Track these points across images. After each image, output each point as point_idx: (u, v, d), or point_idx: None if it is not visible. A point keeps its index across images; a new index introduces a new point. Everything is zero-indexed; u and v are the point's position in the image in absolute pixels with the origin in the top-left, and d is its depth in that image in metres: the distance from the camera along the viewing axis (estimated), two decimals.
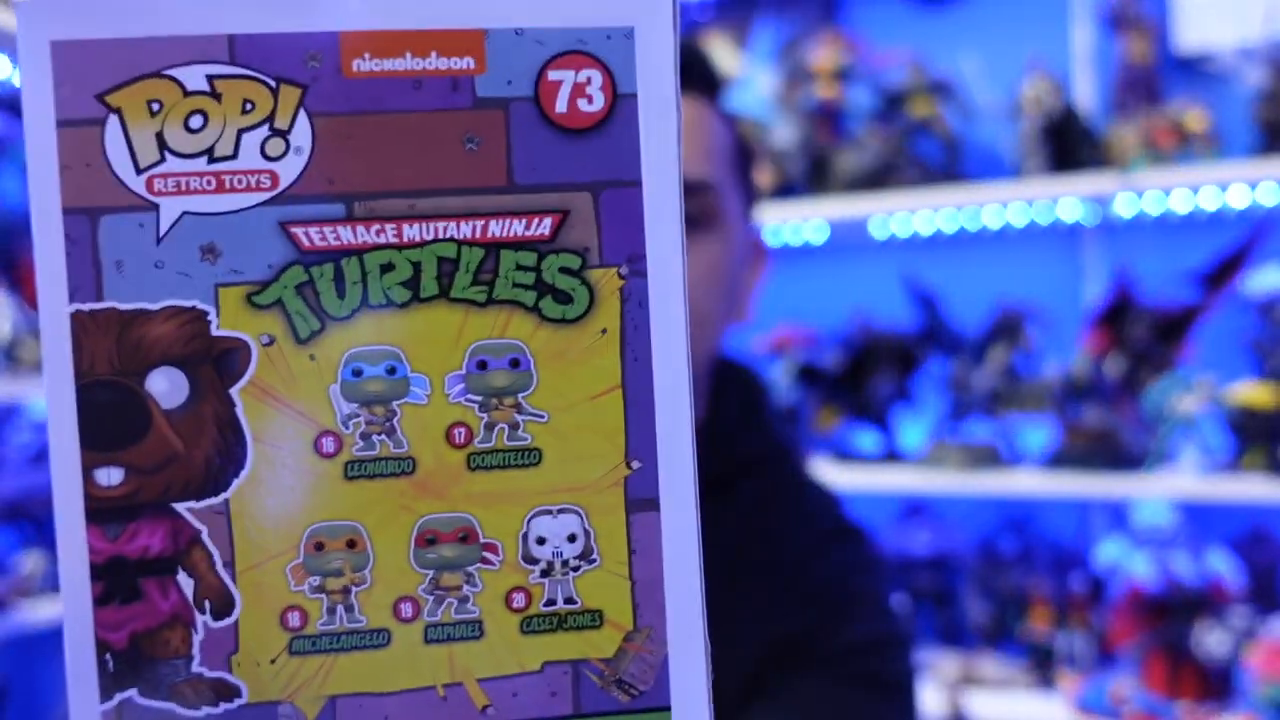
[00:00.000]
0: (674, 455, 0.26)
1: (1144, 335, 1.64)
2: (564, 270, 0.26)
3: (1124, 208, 1.75)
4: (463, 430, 0.25)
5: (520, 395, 0.26)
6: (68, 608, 0.24)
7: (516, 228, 0.26)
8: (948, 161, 1.84)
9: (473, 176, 0.25)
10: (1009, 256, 1.98)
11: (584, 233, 0.26)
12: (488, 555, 0.26)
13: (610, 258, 0.26)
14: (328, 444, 0.25)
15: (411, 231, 0.25)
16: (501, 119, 0.25)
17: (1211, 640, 1.51)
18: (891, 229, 1.96)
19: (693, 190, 0.66)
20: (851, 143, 1.89)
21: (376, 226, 0.25)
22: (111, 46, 0.25)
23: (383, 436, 0.25)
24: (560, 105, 0.26)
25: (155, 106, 0.25)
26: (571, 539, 0.26)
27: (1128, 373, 1.65)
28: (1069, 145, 1.72)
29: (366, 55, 0.25)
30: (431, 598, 0.25)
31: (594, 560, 0.26)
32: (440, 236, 0.25)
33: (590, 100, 0.26)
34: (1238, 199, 1.68)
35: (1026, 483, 1.67)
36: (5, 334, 1.60)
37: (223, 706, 0.25)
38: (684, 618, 0.26)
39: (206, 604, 0.25)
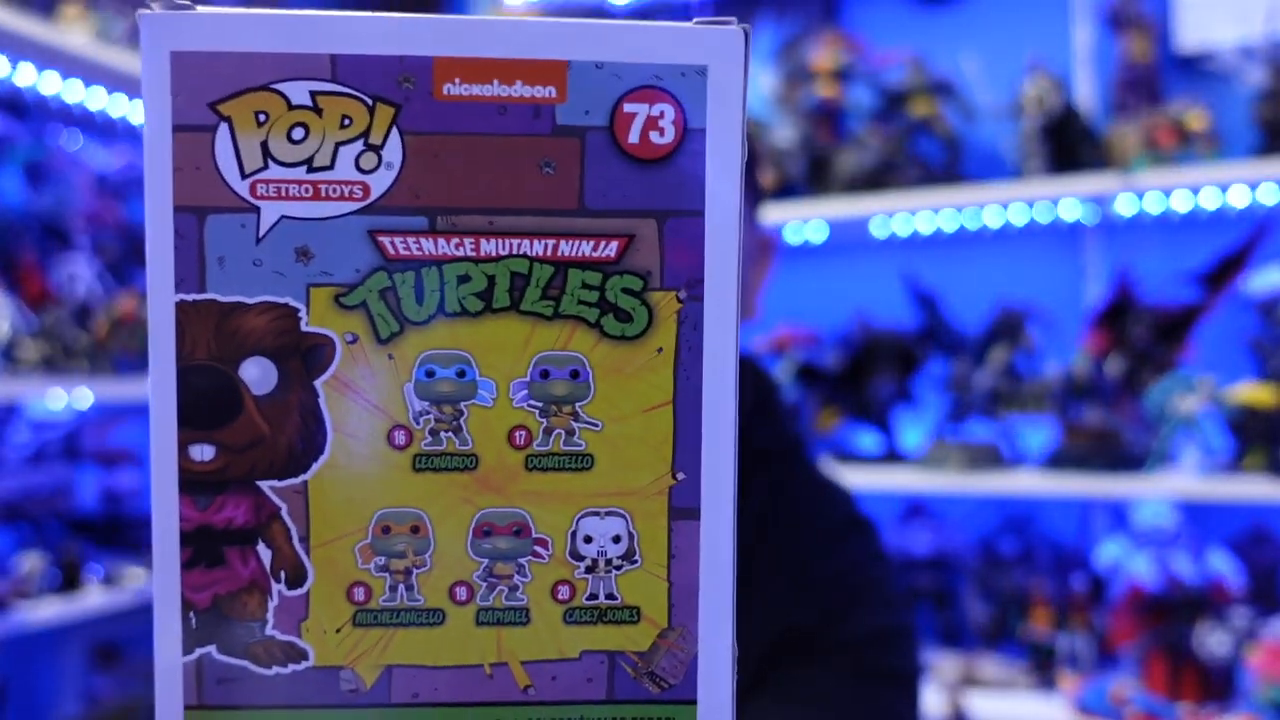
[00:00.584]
0: (717, 469, 0.27)
1: (1144, 335, 1.64)
2: (626, 291, 0.27)
3: (1124, 208, 1.75)
4: (523, 433, 0.27)
5: (578, 404, 0.27)
6: (158, 569, 0.27)
7: (585, 249, 0.27)
8: (948, 161, 1.83)
9: (547, 198, 0.27)
10: (1009, 256, 1.98)
11: (647, 257, 0.27)
12: (538, 549, 0.27)
13: (670, 282, 0.28)
14: (399, 437, 0.27)
15: (488, 246, 0.27)
16: (577, 146, 0.27)
17: (1212, 641, 1.50)
18: (891, 229, 1.95)
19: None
20: (851, 142, 1.89)
21: (456, 240, 0.27)
22: (225, 59, 0.27)
23: (450, 434, 0.27)
24: (633, 136, 0.27)
25: (262, 117, 0.27)
26: (616, 540, 0.27)
27: (1128, 373, 1.65)
28: (1069, 145, 1.72)
29: (457, 80, 0.27)
30: (485, 584, 0.27)
31: (636, 561, 0.28)
32: (514, 253, 0.27)
33: (662, 133, 0.27)
34: (1238, 199, 1.67)
35: (1027, 483, 1.67)
36: (4, 334, 1.59)
37: (291, 667, 0.27)
38: (715, 620, 0.28)
39: (282, 574, 0.27)
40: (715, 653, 0.28)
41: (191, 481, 0.27)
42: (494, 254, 0.27)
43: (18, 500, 1.89)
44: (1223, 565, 1.56)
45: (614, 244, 0.27)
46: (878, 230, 1.96)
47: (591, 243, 0.27)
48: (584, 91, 0.27)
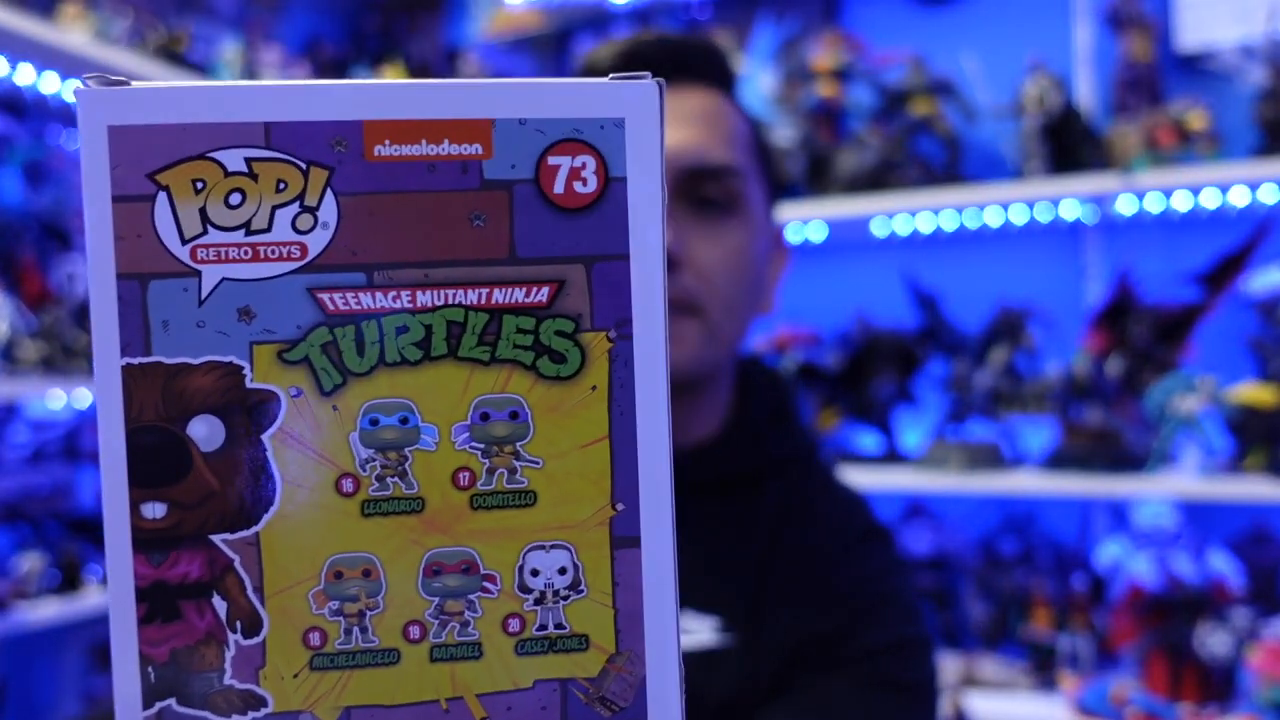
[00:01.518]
0: (654, 498, 0.29)
1: (1145, 335, 1.64)
2: (559, 334, 0.29)
3: (1124, 207, 1.75)
4: (467, 474, 0.29)
5: (518, 443, 0.29)
6: (115, 626, 0.28)
7: (517, 295, 0.29)
8: (948, 161, 1.83)
9: (479, 249, 0.28)
10: (1009, 256, 1.98)
11: (577, 300, 0.29)
12: (487, 585, 0.29)
13: (600, 323, 0.29)
14: (347, 485, 0.28)
15: (424, 298, 0.28)
16: (505, 199, 0.28)
17: (1213, 641, 1.50)
18: (891, 229, 1.95)
19: (718, 174, 0.66)
20: (852, 142, 1.89)
21: (393, 293, 0.28)
22: (161, 131, 0.28)
23: (396, 479, 0.28)
24: (558, 187, 0.29)
25: (199, 185, 0.28)
26: (562, 571, 0.29)
27: (1128, 373, 1.65)
28: (1070, 145, 1.72)
29: (387, 142, 0.28)
30: (437, 621, 0.28)
31: (582, 590, 0.29)
32: (450, 303, 0.28)
33: (585, 183, 0.29)
34: (1238, 199, 1.67)
35: (1027, 483, 1.67)
36: (4, 334, 1.59)
37: (250, 715, 0.28)
38: (661, 642, 0.29)
39: (238, 624, 0.28)
40: (663, 674, 0.29)
41: (145, 539, 0.28)
42: (430, 304, 0.28)
43: (18, 500, 1.89)
44: (1223, 565, 1.56)
45: (545, 289, 0.29)
46: (878, 230, 1.96)
47: (524, 289, 0.28)
48: (509, 147, 0.28)
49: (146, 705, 0.28)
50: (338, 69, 2.45)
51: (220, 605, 0.28)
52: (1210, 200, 1.69)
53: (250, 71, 2.06)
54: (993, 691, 1.68)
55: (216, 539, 0.28)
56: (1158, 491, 1.57)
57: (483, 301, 0.28)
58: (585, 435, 0.29)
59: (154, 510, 0.28)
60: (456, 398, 0.28)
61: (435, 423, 0.28)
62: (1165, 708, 1.50)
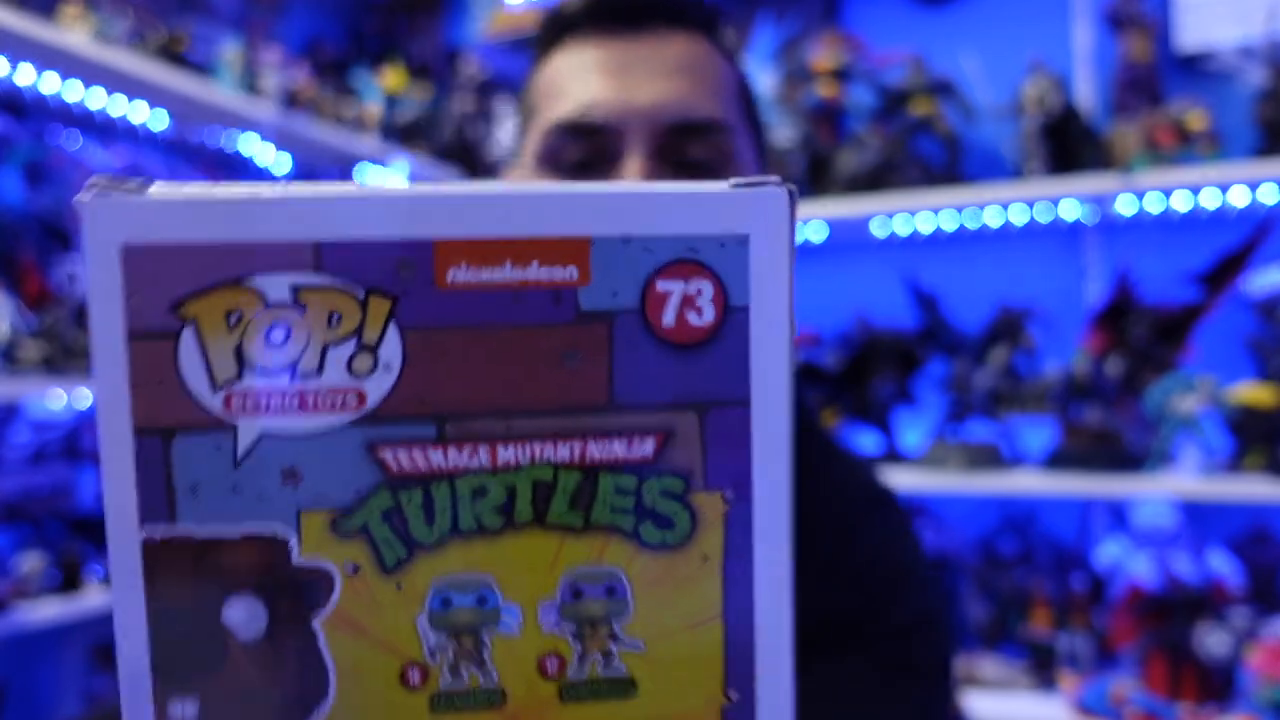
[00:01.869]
0: (773, 687, 0.25)
1: (1144, 335, 1.64)
2: (665, 494, 0.25)
3: (1124, 208, 1.75)
4: (555, 660, 0.25)
5: (617, 624, 0.25)
6: None
7: (617, 449, 0.24)
8: (948, 161, 1.83)
9: (572, 395, 0.24)
10: (1009, 256, 1.98)
11: (688, 454, 0.25)
12: None
13: (715, 481, 0.25)
14: (414, 676, 0.24)
15: (506, 454, 0.24)
16: (605, 333, 0.24)
17: (1212, 641, 1.50)
18: (891, 229, 1.95)
19: (705, 130, 0.61)
20: (851, 142, 1.89)
21: (469, 449, 0.24)
22: (188, 252, 0.23)
23: (472, 668, 0.24)
24: (668, 318, 0.24)
25: (234, 318, 0.23)
26: None
27: (1128, 373, 1.65)
28: (1069, 145, 1.72)
29: (463, 265, 0.24)
30: None
31: None
32: (537, 459, 0.24)
33: (700, 313, 0.24)
34: (1238, 199, 1.67)
35: (1027, 483, 1.67)
36: (4, 334, 1.59)
37: None
38: None
39: None
40: None
41: None
42: (513, 462, 0.24)
43: (18, 500, 1.89)
44: (1223, 565, 1.56)
45: (650, 441, 0.24)
46: (878, 230, 1.96)
47: (625, 441, 0.24)
48: (610, 270, 0.24)
49: None
50: (338, 69, 2.45)
51: None
52: (1210, 200, 1.69)
53: (251, 72, 2.06)
54: (993, 691, 1.69)
55: None
56: (1157, 491, 1.57)
57: (576, 457, 0.24)
58: (695, 614, 0.25)
59: (183, 709, 0.24)
60: (544, 571, 0.24)
61: (519, 601, 0.25)
62: (1165, 707, 1.50)
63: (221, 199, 0.23)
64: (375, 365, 0.24)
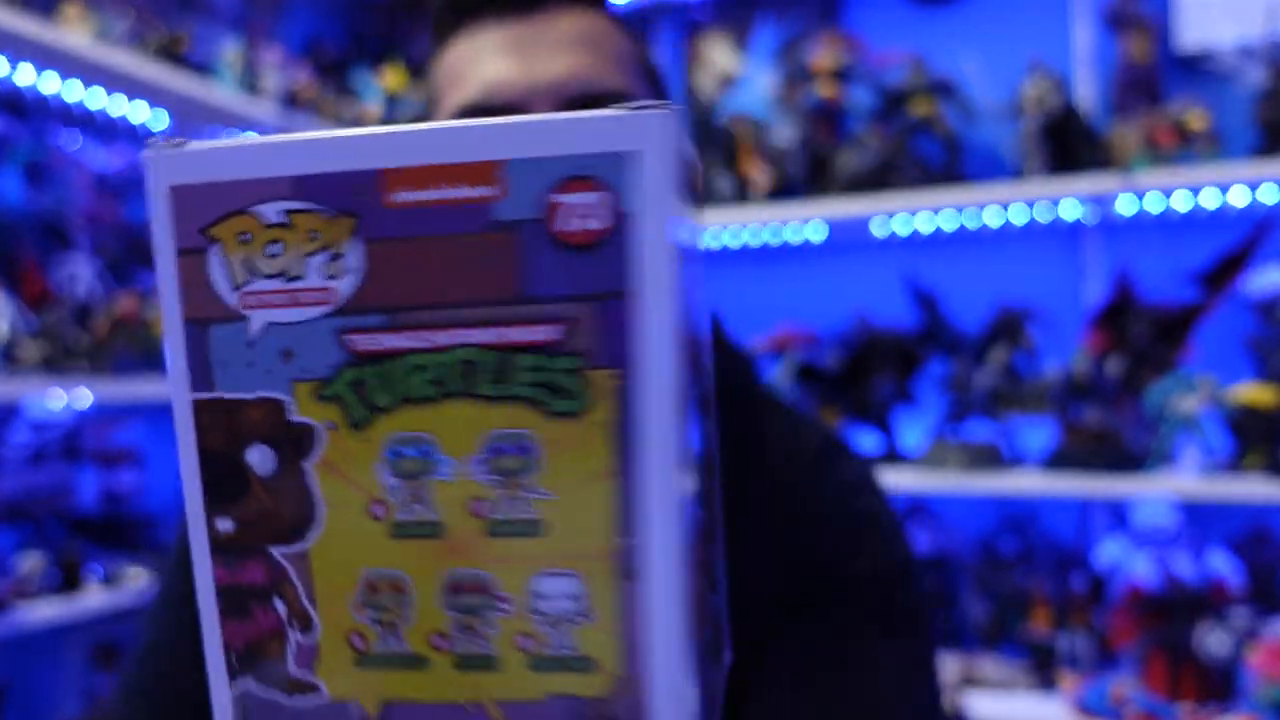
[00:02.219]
0: (663, 533, 0.30)
1: (1144, 335, 1.64)
2: (566, 371, 0.30)
3: (1124, 208, 1.75)
4: (483, 504, 0.31)
5: (530, 476, 0.30)
6: (205, 620, 0.32)
7: (527, 334, 0.30)
8: (948, 161, 1.83)
9: (490, 290, 0.30)
10: (1009, 256, 1.98)
11: (586, 338, 0.29)
12: (503, 605, 0.31)
13: (607, 360, 0.29)
14: (378, 510, 0.31)
15: (440, 338, 0.30)
16: (516, 239, 0.30)
17: (1212, 641, 1.51)
18: (891, 229, 1.96)
19: (611, 101, 0.60)
20: (851, 143, 1.89)
21: (412, 334, 0.30)
22: (212, 189, 0.31)
23: (419, 506, 0.31)
24: (566, 225, 0.29)
25: (244, 237, 0.31)
26: (571, 598, 0.30)
27: (1128, 372, 1.65)
28: (1069, 145, 1.72)
29: (405, 188, 0.30)
30: (459, 635, 0.31)
31: (589, 617, 0.30)
32: (464, 342, 0.30)
33: (596, 219, 0.29)
34: (1238, 199, 1.67)
35: (1026, 483, 1.67)
36: (4, 334, 1.59)
37: (310, 697, 0.32)
38: (668, 668, 0.30)
39: (295, 623, 0.32)
40: (669, 698, 0.30)
41: (218, 548, 0.32)
42: (445, 344, 0.30)
43: (18, 500, 1.89)
44: (1223, 565, 1.56)
45: (554, 328, 0.30)
46: (878, 230, 1.96)
47: (533, 328, 0.30)
48: (520, 187, 0.29)
49: (232, 683, 0.33)
50: (338, 69, 2.45)
51: (280, 607, 0.32)
52: (1210, 200, 1.69)
53: (251, 72, 2.07)
54: (992, 691, 1.69)
55: (274, 550, 0.32)
56: (1157, 491, 1.57)
57: (494, 341, 0.30)
58: (592, 470, 0.30)
59: (224, 524, 0.32)
60: (472, 432, 0.30)
61: (453, 455, 0.30)
62: (1164, 707, 1.50)
63: (234, 147, 0.31)
64: (343, 269, 0.30)
